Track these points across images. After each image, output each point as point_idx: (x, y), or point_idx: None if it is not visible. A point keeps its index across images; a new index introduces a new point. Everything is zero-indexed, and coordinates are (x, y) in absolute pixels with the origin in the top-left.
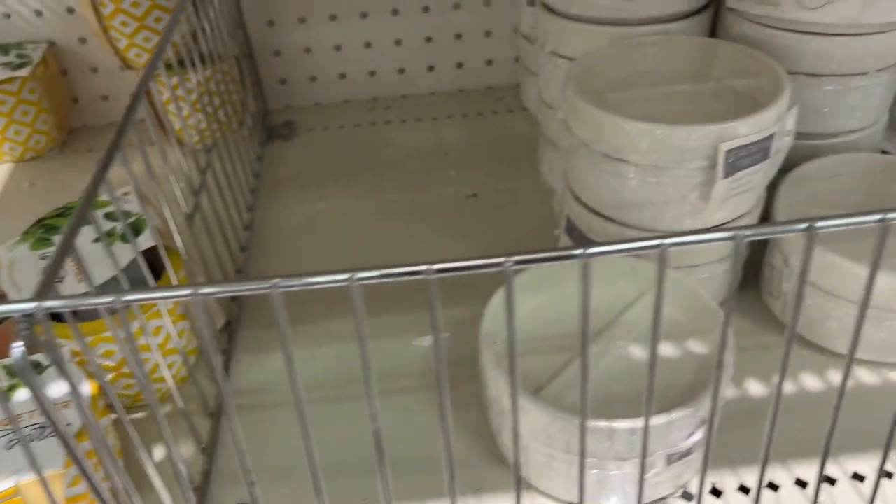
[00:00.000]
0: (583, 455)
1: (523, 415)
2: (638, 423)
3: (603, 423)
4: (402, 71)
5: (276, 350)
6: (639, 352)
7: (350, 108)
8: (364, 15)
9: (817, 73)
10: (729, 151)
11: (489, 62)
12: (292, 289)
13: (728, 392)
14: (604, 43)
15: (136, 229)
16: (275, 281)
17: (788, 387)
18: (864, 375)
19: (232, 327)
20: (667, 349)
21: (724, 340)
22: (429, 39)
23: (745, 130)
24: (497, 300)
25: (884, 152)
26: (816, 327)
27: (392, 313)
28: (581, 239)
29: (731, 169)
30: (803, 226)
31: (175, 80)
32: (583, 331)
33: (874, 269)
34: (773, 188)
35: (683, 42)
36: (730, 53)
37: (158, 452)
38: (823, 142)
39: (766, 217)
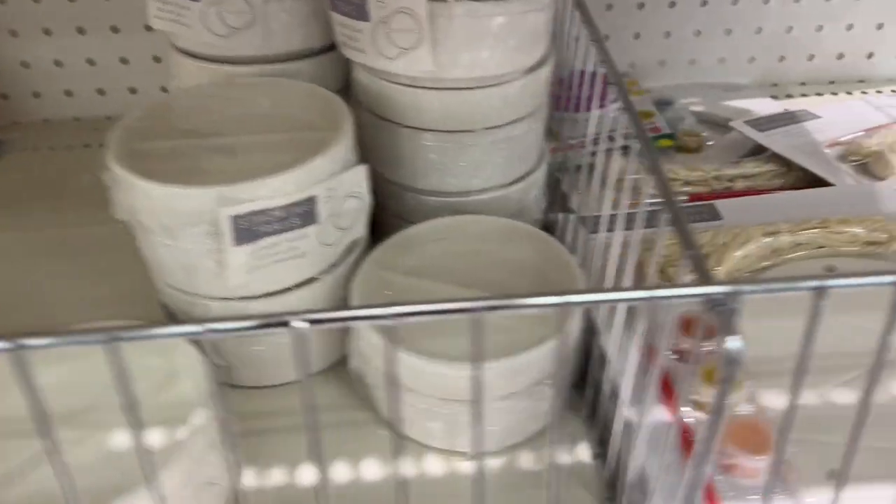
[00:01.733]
0: None
1: None
2: None
3: None
4: (133, 91)
5: None
6: (123, 438)
7: (78, 127)
8: (81, 31)
9: (427, 128)
10: (239, 217)
11: None
12: None
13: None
14: (207, 81)
15: None
16: None
17: (362, 471)
18: (432, 465)
19: None
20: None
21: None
22: (157, 59)
23: (248, 195)
24: None
25: (558, 199)
26: (385, 408)
27: None
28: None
29: (249, 236)
30: (367, 313)
31: None
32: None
33: (472, 365)
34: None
35: (280, 85)
36: (326, 103)
37: None
38: (454, 199)
39: None
